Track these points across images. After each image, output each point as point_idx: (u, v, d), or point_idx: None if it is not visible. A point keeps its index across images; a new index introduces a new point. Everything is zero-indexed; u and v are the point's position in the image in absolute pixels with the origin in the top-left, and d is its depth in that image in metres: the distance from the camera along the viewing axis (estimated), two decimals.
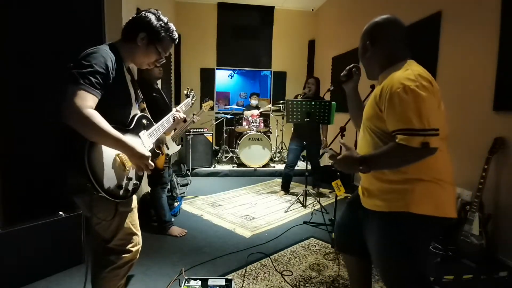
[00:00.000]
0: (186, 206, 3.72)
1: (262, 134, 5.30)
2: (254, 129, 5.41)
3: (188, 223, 3.15)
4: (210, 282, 1.95)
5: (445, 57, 3.08)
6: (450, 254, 2.45)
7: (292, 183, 4.38)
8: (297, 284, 2.13)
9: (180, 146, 3.06)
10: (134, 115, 1.42)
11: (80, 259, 2.28)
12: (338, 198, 3.11)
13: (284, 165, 4.41)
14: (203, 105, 3.11)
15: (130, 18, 1.41)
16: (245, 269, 2.28)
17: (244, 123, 5.48)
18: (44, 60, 2.47)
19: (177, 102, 6.07)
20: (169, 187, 3.26)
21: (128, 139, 1.26)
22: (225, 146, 5.98)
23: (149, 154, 1.31)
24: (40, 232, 2.08)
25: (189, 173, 5.01)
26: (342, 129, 2.47)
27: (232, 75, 10.15)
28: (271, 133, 5.77)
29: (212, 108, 6.45)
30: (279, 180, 4.75)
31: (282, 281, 2.15)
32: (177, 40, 1.48)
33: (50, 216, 2.16)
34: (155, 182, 2.81)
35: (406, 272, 1.27)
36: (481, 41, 2.66)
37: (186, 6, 6.48)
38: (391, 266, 1.29)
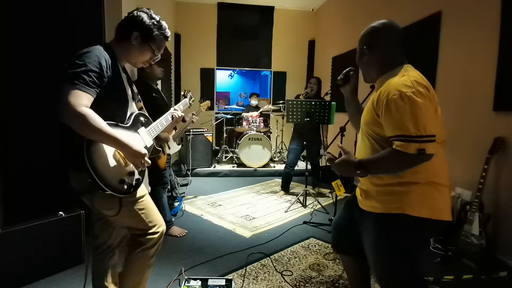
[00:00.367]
0: (186, 206, 3.72)
1: (262, 134, 5.30)
2: (254, 129, 5.41)
3: (188, 223, 3.15)
4: (210, 282, 1.95)
5: (445, 57, 3.08)
6: (450, 254, 2.45)
7: (292, 183, 4.38)
8: (297, 284, 2.13)
9: (180, 146, 3.06)
10: (132, 113, 1.44)
11: (80, 259, 2.28)
12: (338, 198, 3.12)
13: (284, 165, 4.41)
14: (201, 104, 3.11)
15: (123, 17, 1.42)
16: (245, 269, 2.28)
17: (244, 123, 5.48)
18: (44, 60, 2.47)
19: (177, 102, 6.06)
20: (169, 187, 3.26)
21: (124, 136, 1.27)
22: (225, 146, 5.98)
23: (145, 151, 1.31)
24: (40, 232, 2.08)
25: (189, 173, 5.01)
26: (342, 129, 2.47)
27: (232, 75, 10.15)
28: (271, 133, 5.77)
29: (212, 108, 6.48)
30: (279, 180, 4.75)
31: (282, 281, 2.15)
32: (169, 38, 1.49)
33: (50, 216, 2.16)
34: (156, 182, 2.81)
35: (400, 273, 1.29)
36: (481, 41, 2.66)
37: (186, 6, 6.48)
38: (386, 266, 1.31)
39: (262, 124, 5.50)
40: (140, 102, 1.57)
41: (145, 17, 1.39)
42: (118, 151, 1.31)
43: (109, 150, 1.28)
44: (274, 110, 6.05)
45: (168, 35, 1.47)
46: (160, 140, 2.42)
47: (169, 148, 2.83)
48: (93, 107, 1.18)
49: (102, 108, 1.20)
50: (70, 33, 2.51)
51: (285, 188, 4.28)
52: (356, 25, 4.94)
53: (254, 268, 2.31)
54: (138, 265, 1.52)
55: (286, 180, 4.26)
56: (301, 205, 3.80)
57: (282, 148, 6.25)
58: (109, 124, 1.22)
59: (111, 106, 1.31)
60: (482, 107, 2.61)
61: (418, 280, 1.32)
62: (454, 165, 2.76)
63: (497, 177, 2.47)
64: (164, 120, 1.68)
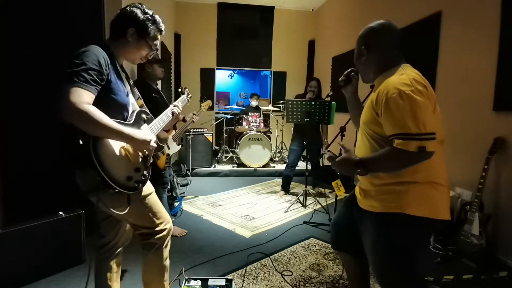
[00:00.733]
0: (186, 206, 3.72)
1: (262, 134, 5.30)
2: (254, 129, 5.41)
3: (188, 223, 3.15)
4: (210, 282, 1.95)
5: (445, 57, 3.08)
6: (450, 254, 2.45)
7: (292, 183, 4.38)
8: (297, 284, 2.13)
9: (180, 146, 3.06)
10: (133, 111, 1.44)
11: (80, 259, 2.28)
12: (338, 198, 3.12)
13: (284, 165, 4.41)
14: (202, 104, 3.11)
15: (116, 15, 1.42)
16: (245, 269, 2.28)
17: (244, 123, 5.48)
18: (44, 60, 2.47)
19: None
20: (169, 187, 3.26)
21: (129, 129, 1.28)
22: (225, 146, 5.98)
23: (150, 137, 1.34)
24: (40, 232, 2.08)
25: (189, 173, 5.01)
26: (342, 129, 2.47)
27: (232, 75, 10.16)
28: (271, 133, 5.77)
29: (212, 108, 6.48)
30: (279, 180, 4.75)
31: (282, 281, 2.15)
32: (164, 32, 1.50)
33: (50, 216, 2.16)
34: (156, 182, 2.80)
35: (399, 272, 1.29)
36: (481, 41, 2.66)
37: (186, 6, 6.48)
38: (385, 266, 1.31)
39: (262, 124, 5.50)
40: (141, 99, 1.58)
41: (138, 12, 1.39)
42: (124, 148, 1.32)
43: (115, 147, 1.29)
44: (274, 110, 6.05)
45: (163, 28, 1.48)
46: (159, 140, 2.42)
47: (169, 148, 2.83)
48: (94, 106, 1.18)
49: (103, 107, 1.20)
50: (70, 33, 2.51)
51: (285, 188, 4.28)
52: (356, 25, 4.94)
53: (254, 268, 2.31)
54: (155, 265, 1.54)
55: (287, 180, 4.26)
56: (301, 205, 3.80)
57: (282, 148, 6.25)
58: None
59: (111, 104, 1.31)
60: (482, 107, 2.61)
61: (418, 279, 1.32)
62: (454, 165, 2.76)
63: (497, 177, 2.47)
64: (165, 117, 1.69)
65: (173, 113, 1.79)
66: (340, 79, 1.60)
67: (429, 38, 3.20)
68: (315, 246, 2.72)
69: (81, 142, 1.20)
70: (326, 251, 2.60)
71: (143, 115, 1.49)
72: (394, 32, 1.35)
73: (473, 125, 2.72)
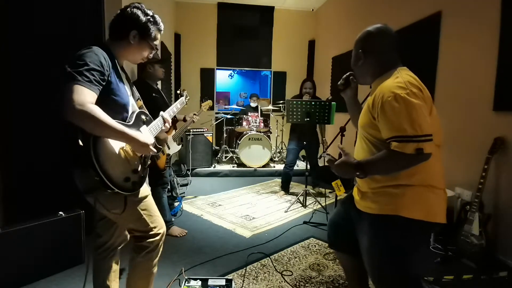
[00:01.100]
0: (186, 206, 3.72)
1: (262, 134, 5.30)
2: (254, 129, 5.41)
3: (188, 223, 3.15)
4: (210, 282, 1.95)
5: (445, 57, 3.08)
6: (450, 254, 2.45)
7: (292, 183, 4.38)
8: (297, 284, 2.13)
9: (180, 146, 3.06)
10: (133, 112, 1.44)
11: (80, 259, 2.28)
12: (338, 198, 3.12)
13: (283, 165, 4.41)
14: (202, 104, 3.11)
15: (116, 15, 1.41)
16: (245, 269, 2.28)
17: (244, 123, 5.48)
18: (44, 60, 2.47)
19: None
20: (169, 187, 3.26)
21: (130, 130, 1.29)
22: (225, 146, 5.98)
23: (151, 140, 1.35)
24: (40, 232, 2.08)
25: (189, 173, 5.01)
26: (342, 129, 2.48)
27: (232, 75, 10.16)
28: (271, 133, 5.77)
29: (212, 108, 6.48)
30: (279, 180, 4.75)
31: (282, 281, 2.15)
32: (163, 30, 1.51)
33: (50, 216, 2.16)
34: (156, 182, 2.81)
35: (395, 274, 1.30)
36: (481, 41, 2.65)
37: (186, 6, 6.48)
38: (380, 267, 1.32)
39: (262, 124, 5.50)
40: (140, 100, 1.58)
41: (140, 14, 1.38)
42: (123, 149, 1.32)
43: (115, 148, 1.29)
44: (274, 110, 6.05)
45: (162, 28, 1.49)
46: (159, 141, 2.42)
47: (169, 148, 2.83)
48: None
49: (103, 107, 1.20)
50: (70, 33, 2.51)
51: (285, 188, 4.28)
52: (356, 25, 4.94)
53: (254, 268, 2.31)
54: (142, 269, 1.52)
55: (286, 180, 4.26)
56: (301, 205, 3.80)
57: (282, 148, 6.25)
58: None
59: (111, 105, 1.31)
60: (482, 107, 2.61)
61: (413, 281, 1.33)
62: (454, 165, 2.76)
63: (497, 177, 2.47)
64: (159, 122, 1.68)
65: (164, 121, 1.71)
66: (339, 82, 1.61)
67: (429, 38, 3.20)
68: (315, 246, 2.72)
69: (80, 142, 1.19)
70: (326, 251, 2.60)
71: (143, 116, 1.49)
72: (390, 36, 1.37)
73: (473, 125, 2.72)
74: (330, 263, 2.42)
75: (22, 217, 2.11)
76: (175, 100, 6.13)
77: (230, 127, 6.02)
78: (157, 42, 1.48)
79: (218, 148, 6.31)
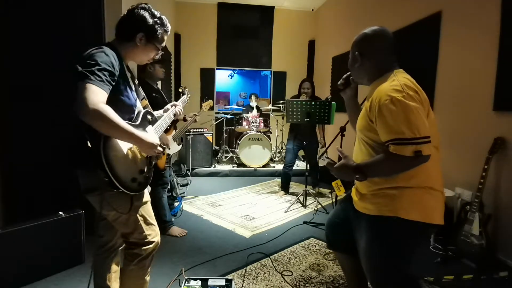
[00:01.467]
0: (186, 206, 3.72)
1: (262, 134, 5.30)
2: (254, 129, 5.41)
3: (188, 223, 3.15)
4: (210, 282, 1.95)
5: (445, 57, 3.08)
6: (450, 254, 2.45)
7: (292, 183, 4.38)
8: (297, 284, 2.13)
9: (180, 146, 3.06)
10: (139, 111, 1.45)
11: (80, 259, 2.28)
12: (338, 198, 3.12)
13: (283, 165, 4.41)
14: (203, 104, 3.10)
15: (123, 16, 1.40)
16: (245, 269, 2.28)
17: (244, 123, 5.48)
18: (44, 60, 2.47)
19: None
20: (169, 187, 3.26)
21: (139, 131, 1.30)
22: (225, 146, 5.98)
23: (157, 141, 1.36)
24: (40, 232, 2.08)
25: (189, 173, 5.01)
26: (342, 129, 2.47)
27: (232, 75, 10.14)
28: (271, 133, 5.77)
29: (212, 108, 6.47)
30: (279, 180, 4.75)
31: (282, 281, 2.15)
32: (169, 32, 1.51)
33: (50, 216, 2.16)
34: (156, 182, 2.80)
35: (391, 275, 1.31)
36: (481, 41, 2.65)
37: (186, 6, 6.48)
38: (377, 268, 1.33)
39: (262, 124, 5.50)
40: (145, 99, 1.59)
41: (147, 16, 1.38)
42: (131, 149, 1.32)
43: (123, 148, 1.30)
44: (274, 110, 6.05)
45: (169, 29, 1.49)
46: (160, 140, 2.42)
47: (169, 148, 2.83)
48: None
49: (112, 107, 1.19)
50: (70, 33, 2.51)
51: (285, 188, 4.28)
52: (356, 25, 4.94)
53: (254, 268, 2.31)
54: (135, 278, 1.51)
55: (286, 180, 4.26)
56: (301, 205, 3.80)
57: (282, 148, 6.24)
58: None
59: (119, 105, 1.31)
60: (482, 107, 2.61)
61: (409, 282, 1.34)
62: (454, 165, 2.76)
63: (497, 177, 2.47)
64: (167, 118, 1.70)
65: (175, 114, 1.80)
66: (339, 82, 1.62)
67: (429, 38, 3.20)
68: (315, 246, 2.72)
69: (89, 144, 1.20)
70: (326, 251, 2.60)
71: (148, 116, 1.50)
72: (387, 38, 1.37)
73: (473, 125, 2.72)
74: (330, 263, 2.42)
75: (22, 217, 2.11)
76: (175, 100, 6.14)
77: (230, 127, 6.02)
78: (164, 44, 1.48)
79: (218, 148, 6.31)
